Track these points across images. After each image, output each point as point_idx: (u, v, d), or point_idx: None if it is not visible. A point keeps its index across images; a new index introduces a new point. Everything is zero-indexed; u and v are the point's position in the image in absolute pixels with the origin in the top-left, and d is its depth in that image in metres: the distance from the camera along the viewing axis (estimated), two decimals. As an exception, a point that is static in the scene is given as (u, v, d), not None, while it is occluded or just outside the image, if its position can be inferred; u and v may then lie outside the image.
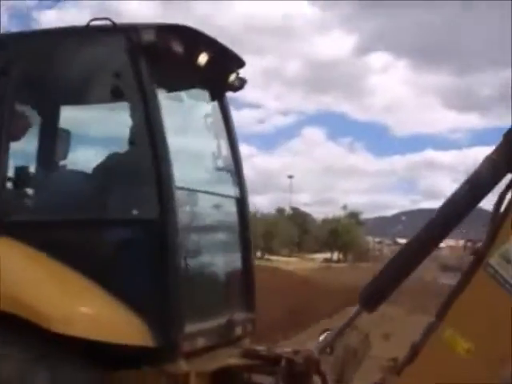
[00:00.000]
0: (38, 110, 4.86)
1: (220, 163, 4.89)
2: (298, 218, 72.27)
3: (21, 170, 4.31)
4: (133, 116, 4.15)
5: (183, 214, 4.29)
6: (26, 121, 4.48)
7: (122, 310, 3.80)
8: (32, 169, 4.55)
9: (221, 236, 4.99)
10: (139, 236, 4.04)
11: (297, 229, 66.74)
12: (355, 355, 4.68)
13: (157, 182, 3.93)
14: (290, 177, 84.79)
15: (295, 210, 76.93)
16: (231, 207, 4.92)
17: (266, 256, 53.08)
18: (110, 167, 4.32)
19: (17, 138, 4.34)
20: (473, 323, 3.25)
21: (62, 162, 4.96)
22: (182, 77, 4.58)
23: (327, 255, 69.69)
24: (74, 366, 3.67)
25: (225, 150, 4.92)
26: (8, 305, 3.57)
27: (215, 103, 4.94)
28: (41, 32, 4.36)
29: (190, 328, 3.97)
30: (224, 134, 4.95)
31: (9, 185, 4.22)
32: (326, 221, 73.64)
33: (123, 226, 4.12)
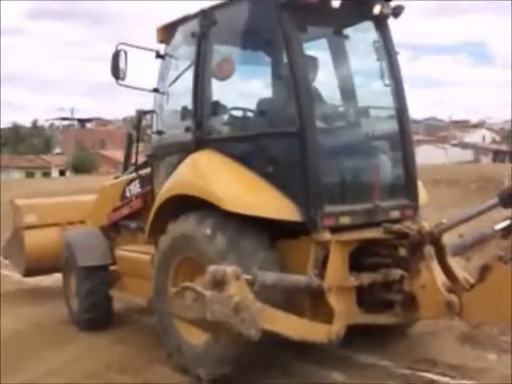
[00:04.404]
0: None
1: (385, 81, 6.04)
2: None
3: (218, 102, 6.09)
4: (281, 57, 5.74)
5: (331, 122, 5.83)
6: (231, 64, 6.13)
7: (281, 197, 5.39)
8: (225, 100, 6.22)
9: (380, 139, 6.10)
10: (290, 143, 5.50)
11: None
12: None
13: (297, 103, 5.39)
14: None
15: None
16: (393, 116, 6.03)
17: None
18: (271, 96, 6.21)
19: (227, 77, 6.09)
20: None
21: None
22: (332, 20, 5.91)
23: None
24: (252, 235, 5.39)
25: (387, 69, 6.03)
26: (200, 192, 5.49)
27: (377, 32, 6.05)
28: (221, 4, 6.03)
29: (331, 208, 5.38)
30: (386, 55, 6.05)
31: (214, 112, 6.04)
32: None
33: (282, 138, 5.63)
